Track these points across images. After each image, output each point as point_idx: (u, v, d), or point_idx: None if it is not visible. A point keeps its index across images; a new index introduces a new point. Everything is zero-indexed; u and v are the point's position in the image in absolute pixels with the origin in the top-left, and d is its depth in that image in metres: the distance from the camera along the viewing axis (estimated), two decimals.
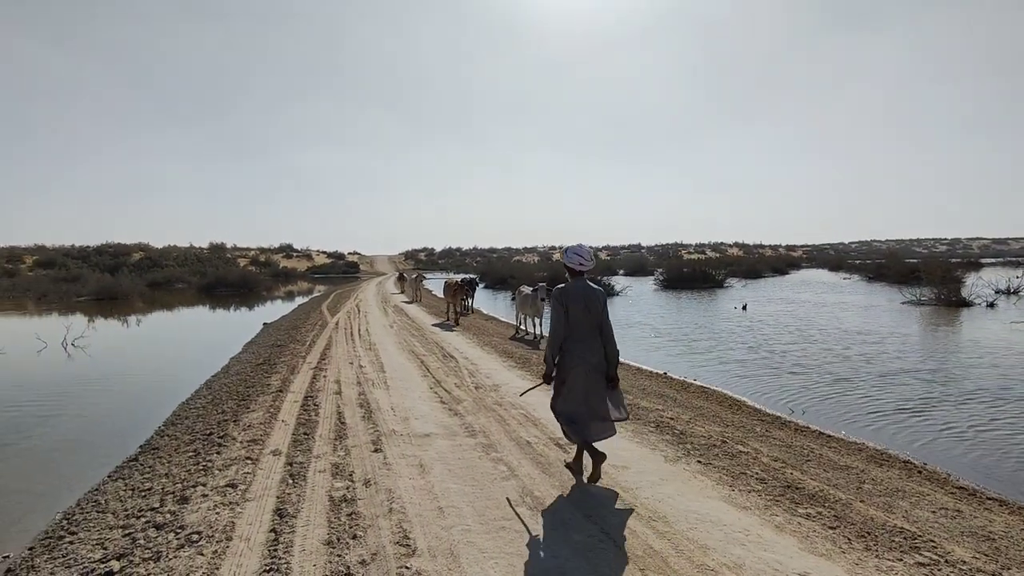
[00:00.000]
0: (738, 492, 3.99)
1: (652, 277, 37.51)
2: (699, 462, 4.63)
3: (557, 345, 4.06)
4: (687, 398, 7.80)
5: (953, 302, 19.62)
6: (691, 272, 32.39)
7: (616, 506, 3.71)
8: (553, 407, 4.19)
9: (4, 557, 3.90)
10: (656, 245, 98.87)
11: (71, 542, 3.82)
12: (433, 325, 14.39)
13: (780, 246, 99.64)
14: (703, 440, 5.29)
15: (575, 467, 4.26)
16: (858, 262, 50.16)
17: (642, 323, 16.95)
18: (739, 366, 10.51)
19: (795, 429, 6.45)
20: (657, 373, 9.84)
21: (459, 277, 17.55)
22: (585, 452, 4.12)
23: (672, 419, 6.05)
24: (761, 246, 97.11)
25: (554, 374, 4.16)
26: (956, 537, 3.52)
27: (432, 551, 3.13)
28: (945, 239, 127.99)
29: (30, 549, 3.90)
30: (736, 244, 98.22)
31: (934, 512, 3.96)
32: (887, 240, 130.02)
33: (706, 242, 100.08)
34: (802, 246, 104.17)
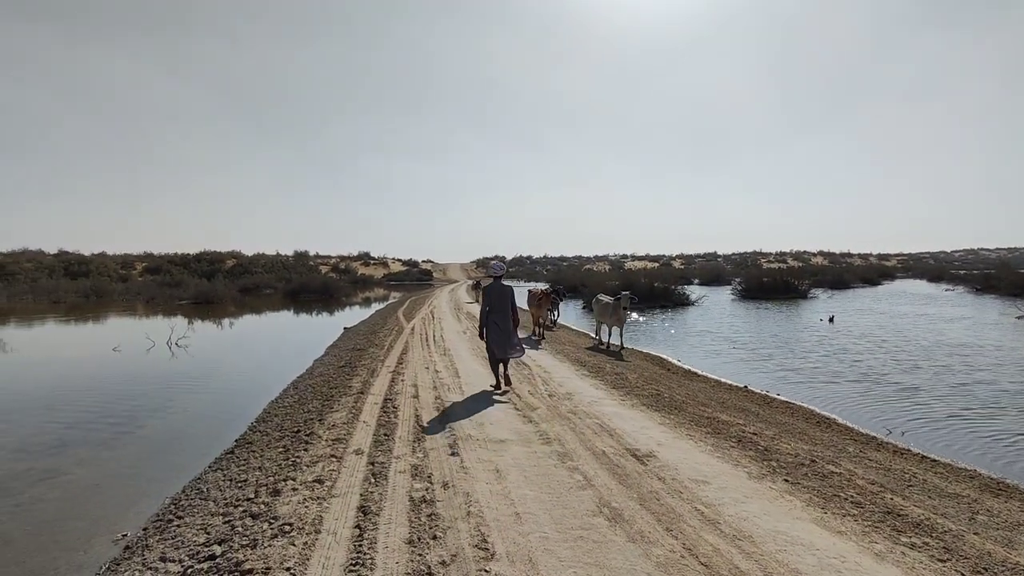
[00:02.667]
0: (831, 515, 3.75)
1: (729, 287, 36.04)
2: (786, 481, 4.39)
3: (484, 315, 7.55)
4: (770, 413, 7.44)
5: None
6: (771, 282, 30.83)
7: (695, 521, 3.58)
8: (486, 345, 7.64)
9: (123, 535, 4.30)
10: (733, 253, 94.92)
11: (178, 525, 4.14)
12: (535, 352, 11.58)
13: (870, 255, 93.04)
14: (789, 458, 5.02)
15: (497, 383, 7.63)
16: (963, 272, 45.87)
17: (713, 332, 16.32)
18: (826, 381, 9.89)
19: (893, 451, 5.99)
20: (736, 386, 9.45)
21: (542, 286, 16.96)
22: (500, 375, 7.68)
23: (755, 434, 5.78)
24: (849, 255, 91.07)
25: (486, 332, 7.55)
26: None
27: (510, 556, 3.15)
28: None
29: (144, 530, 4.27)
30: (820, 252, 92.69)
31: None
32: (996, 249, 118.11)
33: (787, 250, 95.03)
34: (896, 255, 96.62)
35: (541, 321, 13.98)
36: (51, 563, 3.97)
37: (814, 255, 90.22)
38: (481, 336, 7.62)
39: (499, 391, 7.46)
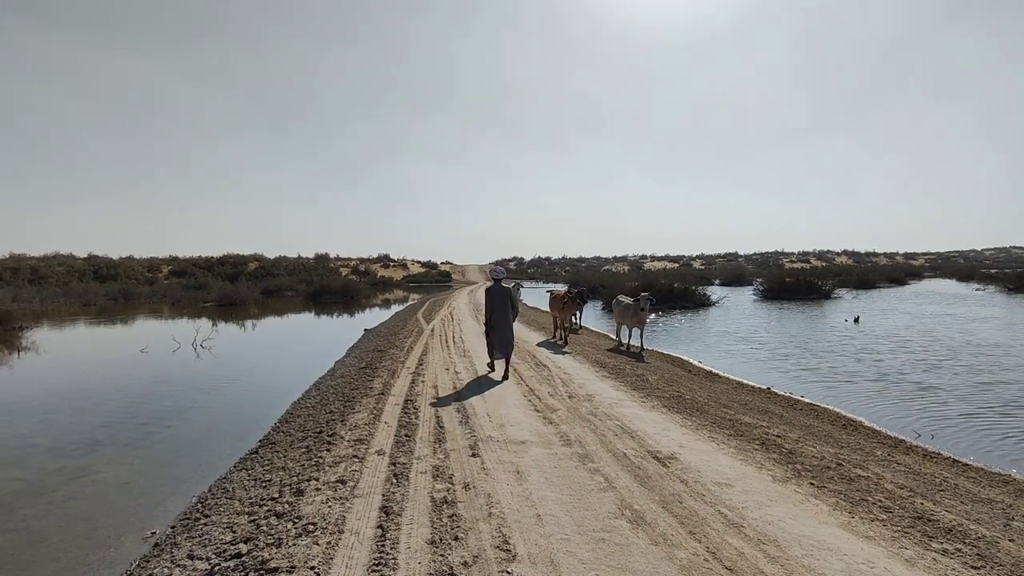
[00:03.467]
0: (859, 520, 3.68)
1: (751, 287, 35.57)
2: (812, 484, 4.32)
3: (488, 315, 8.71)
4: (794, 415, 7.33)
5: None
6: (794, 282, 30.35)
7: (718, 524, 3.54)
8: (487, 340, 8.85)
9: (152, 533, 4.39)
10: (755, 253, 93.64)
11: (205, 524, 4.22)
12: (538, 345, 12.20)
13: (897, 254, 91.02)
14: (815, 461, 4.93)
15: (491, 367, 8.98)
16: (994, 271, 44.63)
17: (734, 333, 16.12)
18: (852, 383, 9.71)
19: (923, 455, 5.85)
20: (759, 388, 9.32)
21: (559, 287, 16.46)
22: (496, 363, 9.04)
23: (779, 437, 5.70)
24: (874, 254, 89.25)
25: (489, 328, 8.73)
26: None
27: (532, 558, 3.14)
28: None
29: (172, 528, 4.37)
30: (844, 252, 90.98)
31: None
32: None
33: (810, 250, 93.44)
34: (924, 254, 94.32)
35: (565, 325, 13.06)
36: (84, 559, 4.07)
37: (838, 254, 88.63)
38: (486, 332, 8.90)
39: (492, 371, 8.93)
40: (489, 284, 9.20)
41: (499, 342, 8.60)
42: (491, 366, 8.98)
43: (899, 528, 3.58)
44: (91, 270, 43.98)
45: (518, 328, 15.89)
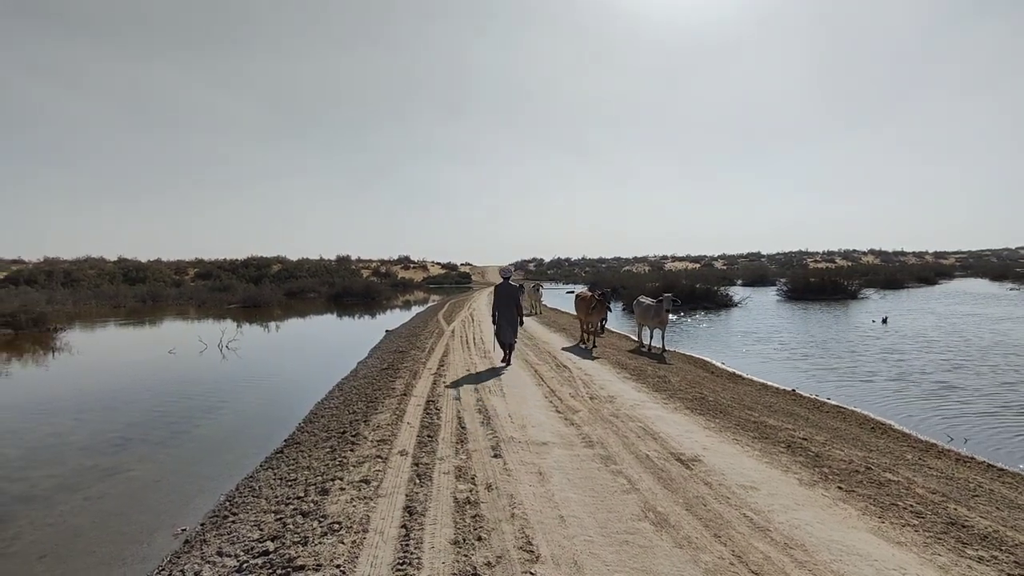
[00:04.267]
0: (889, 525, 3.60)
1: (774, 287, 35.04)
2: (839, 488, 4.24)
3: (493, 310, 9.86)
4: (820, 418, 7.20)
5: None
6: (819, 282, 29.82)
7: (744, 528, 3.50)
8: (495, 332, 9.93)
9: (182, 530, 4.50)
10: (778, 253, 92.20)
11: (233, 521, 4.30)
12: (563, 349, 11.77)
13: (926, 253, 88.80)
14: (843, 464, 4.84)
15: (501, 357, 9.91)
16: None
17: (758, 334, 15.88)
18: (880, 385, 9.50)
19: (956, 459, 5.70)
20: (784, 389, 9.18)
21: (577, 286, 16.08)
22: (503, 351, 9.92)
23: (805, 440, 5.61)
24: (902, 253, 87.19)
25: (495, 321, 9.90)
26: None
27: (555, 559, 3.15)
28: None
29: (202, 525, 4.46)
30: (871, 251, 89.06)
31: None
32: None
33: (835, 249, 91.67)
34: (954, 252, 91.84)
35: (592, 328, 12.51)
36: (118, 554, 4.18)
37: (864, 254, 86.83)
38: (493, 322, 9.97)
39: (503, 363, 9.82)
40: (499, 282, 10.31)
41: (503, 331, 9.78)
42: (505, 360, 9.89)
43: (931, 534, 3.50)
44: (121, 273, 45.13)
45: (540, 330, 15.94)
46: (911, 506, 3.95)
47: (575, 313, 13.83)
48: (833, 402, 8.35)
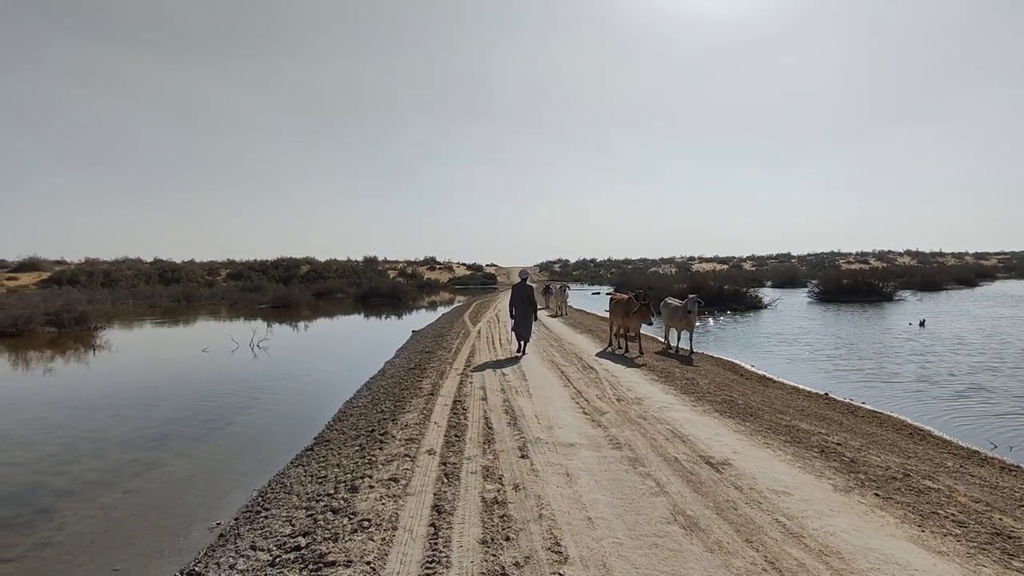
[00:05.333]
0: (930, 534, 3.49)
1: (805, 289, 34.28)
2: (876, 495, 4.13)
3: (511, 306, 11.15)
4: (855, 423, 7.02)
5: None
6: (852, 283, 29.09)
7: (776, 533, 3.43)
8: (512, 326, 11.15)
9: (217, 524, 4.61)
10: (809, 254, 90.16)
11: (266, 517, 4.39)
12: (597, 355, 11.06)
13: (966, 253, 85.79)
14: (880, 471, 4.71)
15: (517, 348, 11.15)
16: None
17: (788, 336, 15.53)
18: (918, 390, 9.22)
19: (1000, 467, 5.49)
20: (816, 393, 8.97)
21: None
22: (521, 344, 11.09)
23: (839, 445, 5.47)
24: (940, 254, 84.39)
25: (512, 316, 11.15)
26: None
27: (584, 561, 3.13)
28: None
29: (236, 519, 4.56)
30: (907, 252, 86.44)
31: None
32: None
33: (869, 250, 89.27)
34: (996, 253, 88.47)
35: (630, 335, 11.64)
36: (157, 546, 4.31)
37: (900, 254, 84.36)
38: (511, 316, 11.28)
39: (519, 352, 11.04)
40: (517, 282, 11.72)
41: (519, 325, 11.08)
42: (519, 349, 11.20)
43: (975, 544, 3.38)
44: (156, 273, 46.52)
45: (566, 331, 15.93)
46: (953, 515, 3.82)
47: (608, 316, 12.86)
48: (868, 406, 8.13)
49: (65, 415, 8.55)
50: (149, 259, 54.12)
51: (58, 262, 50.31)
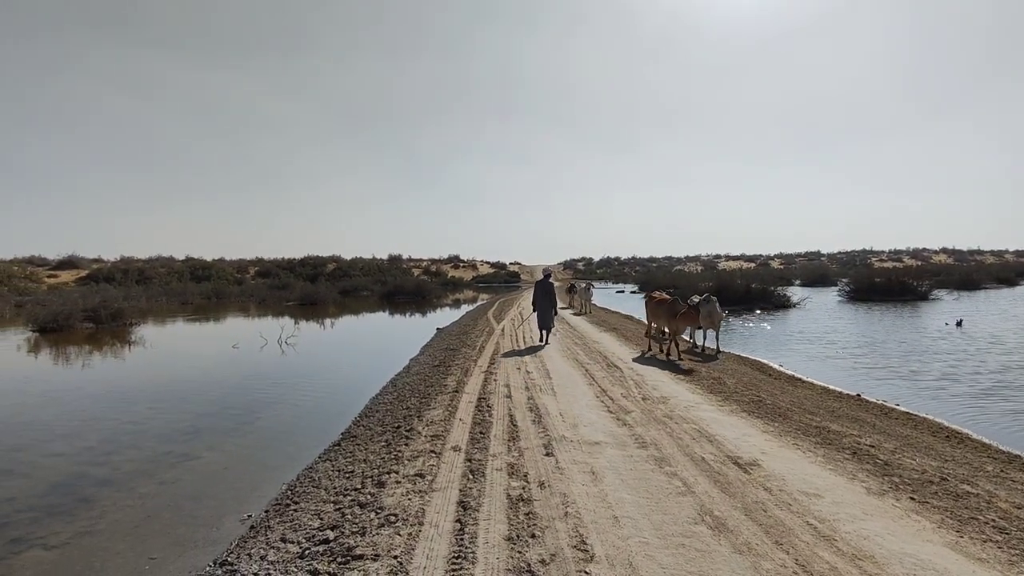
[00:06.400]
0: (969, 540, 3.39)
1: (835, 288, 33.51)
2: (911, 499, 4.02)
3: (534, 301, 12.65)
4: (888, 424, 6.84)
5: None
6: (885, 282, 28.31)
7: (807, 536, 3.37)
8: (537, 317, 12.58)
9: (248, 516, 4.72)
10: (839, 252, 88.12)
11: (295, 510, 4.48)
12: (634, 361, 10.27)
13: (1006, 251, 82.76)
14: (915, 474, 4.59)
15: (540, 339, 12.59)
16: None
17: (818, 336, 15.18)
18: (955, 392, 8.93)
19: None
20: (847, 394, 8.76)
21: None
22: (544, 334, 12.64)
23: (872, 447, 5.34)
24: (979, 252, 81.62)
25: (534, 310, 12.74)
26: None
27: (610, 560, 3.12)
28: None
29: (266, 512, 4.66)
30: (943, 250, 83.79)
31: None
32: None
33: (903, 248, 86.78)
34: None
35: (675, 338, 10.67)
36: (191, 536, 4.43)
37: (935, 252, 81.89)
38: (534, 310, 12.75)
39: (542, 342, 12.33)
40: (539, 279, 13.13)
41: (542, 319, 12.57)
42: (542, 339, 12.63)
43: (1018, 551, 3.26)
44: (188, 271, 47.72)
45: (590, 329, 15.88)
46: (993, 521, 3.70)
47: (648, 318, 11.98)
48: (902, 408, 7.91)
49: (104, 408, 8.83)
50: (181, 257, 55.58)
51: (95, 260, 52.01)
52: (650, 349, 11.44)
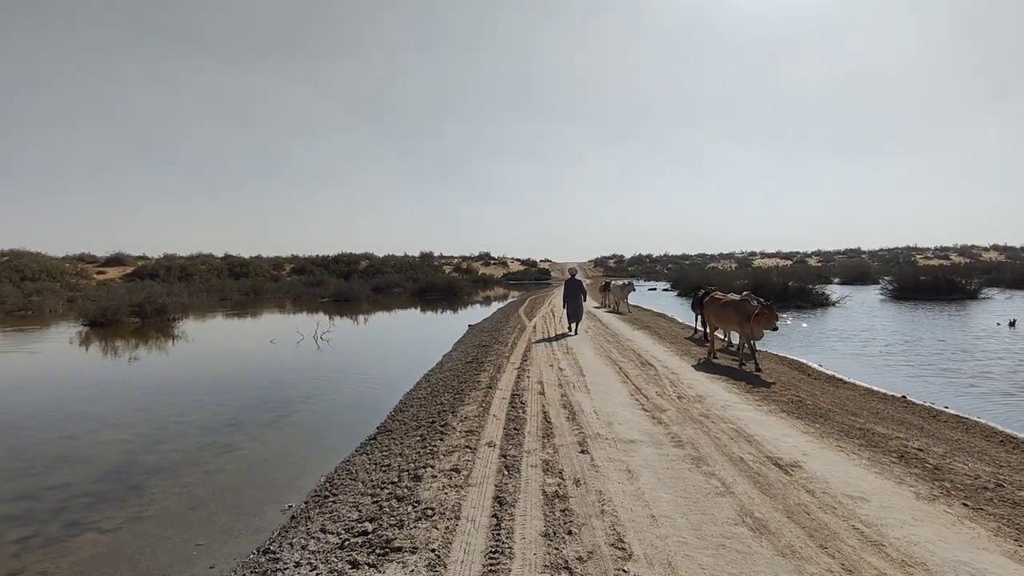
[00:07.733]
0: None
1: (877, 286, 32.38)
2: (965, 505, 3.86)
3: (564, 296, 14.53)
4: (936, 428, 6.58)
5: None
6: (931, 280, 27.20)
7: (853, 540, 3.27)
8: (565, 313, 14.53)
9: (289, 506, 4.83)
10: (880, 249, 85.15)
11: (334, 502, 4.56)
12: (669, 359, 9.92)
13: None
14: (968, 479, 4.40)
15: (570, 329, 14.14)
16: None
17: (859, 336, 14.69)
18: (1009, 395, 8.54)
19: None
20: (892, 396, 8.46)
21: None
22: (573, 326, 14.25)
23: (920, 450, 5.15)
24: None
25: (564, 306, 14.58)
26: None
27: (648, 559, 3.09)
28: None
29: (305, 503, 4.77)
30: (994, 246, 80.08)
31: None
32: None
33: (950, 245, 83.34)
34: None
35: (751, 342, 9.49)
36: (234, 524, 4.57)
37: (985, 249, 78.34)
38: (563, 305, 14.54)
39: (572, 332, 13.76)
40: (567, 277, 14.75)
41: (571, 312, 14.14)
42: (570, 329, 14.14)
43: None
44: (227, 268, 49.12)
45: (623, 327, 15.75)
46: None
47: (712, 321, 10.86)
48: (952, 411, 7.60)
49: (151, 399, 9.17)
50: (220, 255, 57.20)
51: (140, 257, 53.92)
52: (714, 356, 10.28)
